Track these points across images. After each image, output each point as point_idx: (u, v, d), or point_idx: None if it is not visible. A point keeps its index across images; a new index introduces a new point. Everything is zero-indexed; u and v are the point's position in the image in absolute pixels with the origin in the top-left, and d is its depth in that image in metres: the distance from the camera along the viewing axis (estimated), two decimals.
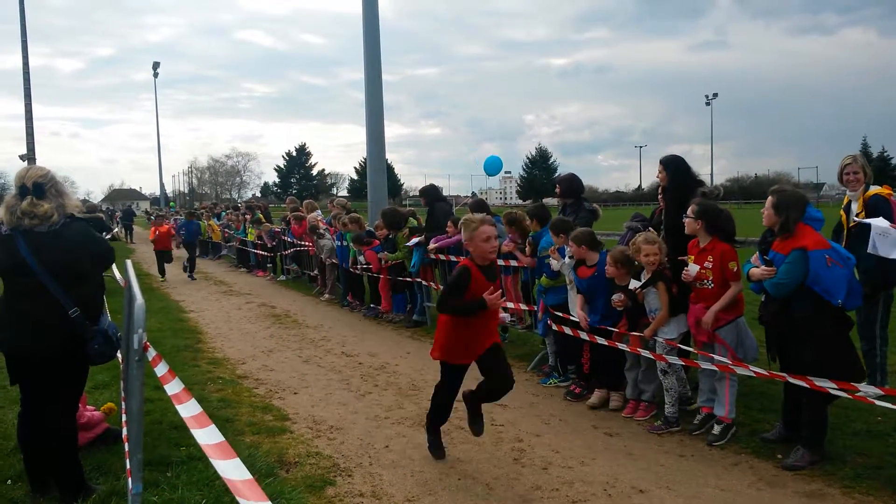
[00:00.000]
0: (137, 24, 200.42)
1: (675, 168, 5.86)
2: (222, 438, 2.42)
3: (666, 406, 5.33)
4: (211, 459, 2.28)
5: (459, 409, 5.90)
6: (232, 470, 2.17)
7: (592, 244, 5.90)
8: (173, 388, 2.94)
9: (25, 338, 3.79)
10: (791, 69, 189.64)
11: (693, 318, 5.10)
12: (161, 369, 3.14)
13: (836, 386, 4.18)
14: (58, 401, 3.92)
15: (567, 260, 6.15)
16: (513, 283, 8.07)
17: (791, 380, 4.40)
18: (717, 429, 4.99)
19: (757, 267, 4.68)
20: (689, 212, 5.12)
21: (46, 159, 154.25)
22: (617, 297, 5.59)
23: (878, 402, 4.08)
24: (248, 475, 2.12)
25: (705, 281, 4.99)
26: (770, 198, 4.61)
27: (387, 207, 10.68)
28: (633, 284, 5.38)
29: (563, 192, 7.25)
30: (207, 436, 2.45)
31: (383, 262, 10.19)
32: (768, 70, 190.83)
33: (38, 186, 3.81)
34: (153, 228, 17.03)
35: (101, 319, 3.96)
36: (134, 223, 38.32)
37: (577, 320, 6.03)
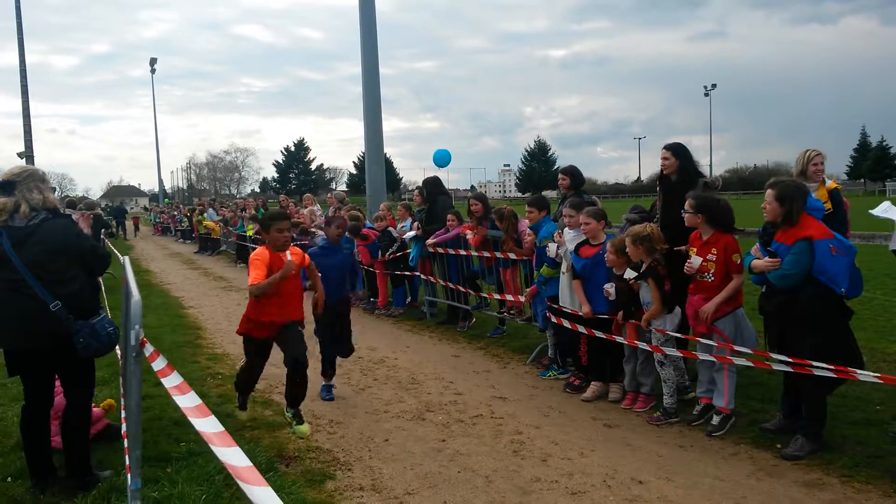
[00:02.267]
0: (133, 20, 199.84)
1: (683, 156, 5.85)
2: (222, 428, 2.43)
3: (664, 397, 5.33)
4: (212, 447, 2.30)
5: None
6: (234, 457, 2.18)
7: (606, 222, 5.94)
8: (171, 381, 2.95)
9: (13, 333, 3.87)
10: (791, 59, 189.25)
11: (692, 310, 5.09)
12: (159, 364, 3.15)
13: (833, 374, 4.19)
14: (71, 382, 4.05)
15: (568, 245, 6.13)
16: (512, 275, 8.07)
17: (785, 368, 4.41)
18: (715, 419, 5.00)
19: (759, 258, 4.66)
20: (686, 206, 5.10)
21: (44, 157, 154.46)
22: (608, 287, 5.61)
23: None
24: (248, 462, 2.14)
25: (706, 274, 4.97)
26: (771, 190, 4.57)
27: (429, 177, 10.42)
28: (629, 275, 5.38)
29: (573, 183, 7.19)
30: (208, 425, 2.47)
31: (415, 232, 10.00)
32: (768, 60, 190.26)
33: (7, 183, 3.96)
34: (271, 254, 5.06)
35: (96, 313, 4.00)
36: (134, 221, 38.36)
37: (573, 311, 6.04)
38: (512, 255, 7.69)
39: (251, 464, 2.13)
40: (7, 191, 3.93)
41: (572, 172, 7.29)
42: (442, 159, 13.65)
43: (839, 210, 5.58)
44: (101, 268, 4.25)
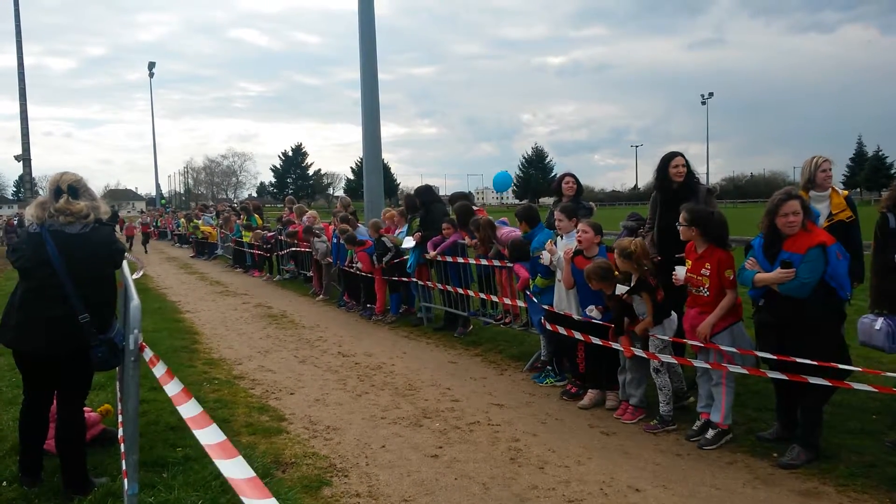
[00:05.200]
0: (130, 23, 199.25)
1: (689, 166, 5.92)
2: (224, 437, 2.43)
3: (660, 405, 5.33)
4: (214, 460, 2.30)
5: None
6: (234, 469, 2.18)
7: (600, 236, 5.99)
8: (172, 388, 2.95)
9: (34, 339, 3.88)
10: (790, 67, 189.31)
11: (689, 324, 5.08)
12: (159, 370, 3.15)
13: (829, 384, 4.21)
14: (67, 398, 4.05)
15: (561, 254, 6.16)
16: (508, 279, 8.07)
17: (775, 375, 4.43)
18: (710, 433, 4.95)
19: (761, 272, 4.62)
20: (680, 219, 5.10)
21: (40, 160, 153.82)
22: (590, 310, 5.73)
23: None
24: (250, 473, 2.14)
25: (701, 288, 4.96)
26: (799, 201, 4.52)
27: (412, 191, 10.55)
28: (620, 290, 5.40)
29: (578, 190, 7.28)
30: (208, 436, 2.47)
31: (387, 248, 10.08)
32: (767, 68, 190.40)
33: (73, 189, 3.98)
34: None
35: (112, 326, 4.01)
36: (143, 228, 36.98)
37: (567, 314, 6.05)
38: (509, 262, 7.69)
39: (253, 474, 2.13)
40: (74, 196, 3.96)
41: (574, 180, 7.42)
42: (503, 183, 13.50)
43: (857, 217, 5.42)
44: (120, 262, 4.24)
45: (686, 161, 5.92)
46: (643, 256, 5.27)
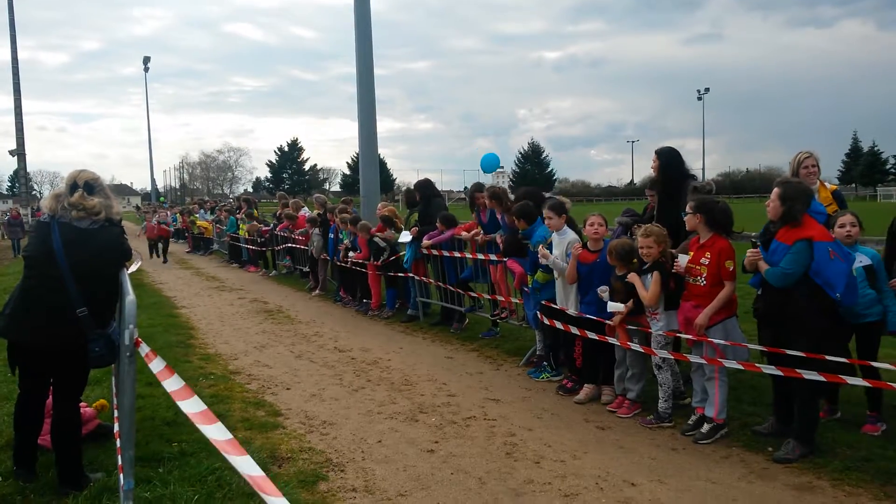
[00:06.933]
0: (123, 17, 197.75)
1: (667, 159, 5.93)
2: (230, 435, 2.45)
3: (659, 401, 5.34)
4: (226, 455, 2.33)
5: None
6: (246, 465, 2.21)
7: (568, 216, 6.05)
8: (173, 384, 2.96)
9: (36, 330, 3.88)
10: (786, 63, 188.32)
11: (682, 316, 5.09)
12: (158, 365, 3.14)
13: (824, 378, 4.23)
14: (63, 392, 4.04)
15: (556, 252, 6.17)
16: (503, 275, 8.07)
17: (775, 372, 4.44)
18: (705, 427, 4.97)
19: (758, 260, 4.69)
20: (687, 207, 5.14)
21: (35, 154, 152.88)
22: (601, 290, 5.66)
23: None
24: (259, 471, 2.16)
25: (698, 278, 4.98)
26: (776, 189, 4.59)
27: (421, 180, 10.66)
28: (613, 307, 5.41)
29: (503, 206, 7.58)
30: (217, 432, 2.49)
31: (383, 244, 10.11)
32: (763, 63, 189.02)
33: (89, 185, 4.02)
34: None
35: (110, 322, 4.02)
36: (160, 230, 36.35)
37: (569, 313, 6.05)
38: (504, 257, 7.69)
39: (262, 472, 2.15)
40: (90, 192, 3.99)
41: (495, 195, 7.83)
42: (489, 164, 13.55)
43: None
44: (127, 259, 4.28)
45: (659, 155, 5.99)
46: (664, 239, 5.31)
